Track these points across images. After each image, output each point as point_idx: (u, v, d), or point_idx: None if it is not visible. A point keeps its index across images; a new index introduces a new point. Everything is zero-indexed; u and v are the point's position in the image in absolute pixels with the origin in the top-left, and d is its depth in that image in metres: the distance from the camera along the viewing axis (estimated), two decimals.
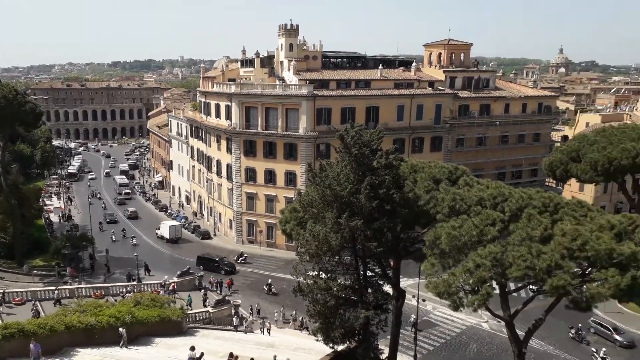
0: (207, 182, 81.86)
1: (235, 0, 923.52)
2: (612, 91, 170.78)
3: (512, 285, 33.19)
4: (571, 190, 79.39)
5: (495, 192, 28.91)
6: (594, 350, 41.15)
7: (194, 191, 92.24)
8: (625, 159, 48.61)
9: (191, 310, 45.61)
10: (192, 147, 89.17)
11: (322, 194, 28.39)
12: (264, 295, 54.28)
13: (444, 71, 75.68)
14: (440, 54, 80.00)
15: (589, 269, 26.13)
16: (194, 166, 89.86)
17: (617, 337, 43.48)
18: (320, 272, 29.19)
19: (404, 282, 50.88)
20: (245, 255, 66.05)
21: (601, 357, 40.00)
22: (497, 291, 30.18)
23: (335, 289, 29.11)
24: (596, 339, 44.53)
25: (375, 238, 28.82)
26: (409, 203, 30.04)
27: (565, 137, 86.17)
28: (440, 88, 73.48)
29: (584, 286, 25.38)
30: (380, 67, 73.31)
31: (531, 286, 28.57)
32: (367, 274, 31.60)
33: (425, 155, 66.31)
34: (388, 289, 33.86)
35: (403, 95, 69.82)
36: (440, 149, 72.17)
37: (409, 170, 33.35)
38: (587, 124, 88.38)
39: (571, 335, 44.80)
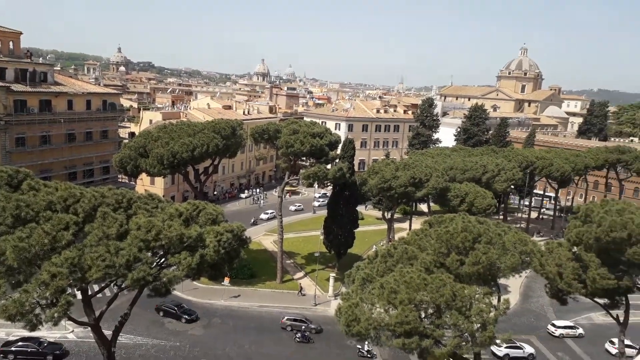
0: None
1: None
2: (168, 91, 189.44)
3: (96, 287, 32.26)
4: (144, 184, 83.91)
5: (66, 194, 27.19)
6: (359, 346, 43.68)
7: None
8: (185, 152, 55.03)
9: None
10: None
11: None
12: None
13: None
14: None
15: (165, 256, 28.33)
16: None
17: (312, 326, 48.59)
18: None
19: None
20: None
21: (366, 350, 43.72)
22: (80, 297, 28.74)
23: None
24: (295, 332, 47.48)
25: None
26: None
27: (132, 134, 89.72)
28: None
29: (162, 272, 27.34)
30: None
31: (114, 284, 28.57)
32: None
33: None
34: None
35: None
36: None
37: None
38: (151, 121, 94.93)
39: (297, 340, 46.49)
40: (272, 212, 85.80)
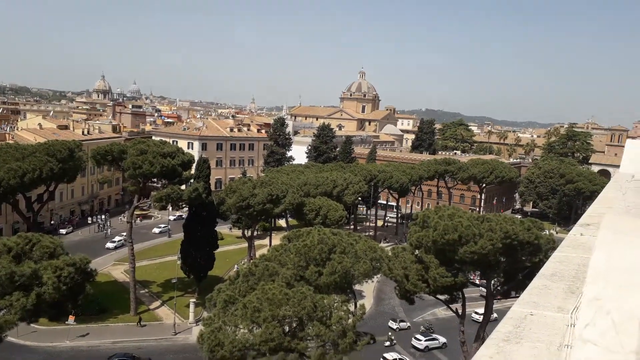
0: None
1: None
2: None
3: None
4: None
5: None
6: None
7: None
8: (13, 179, 48.54)
9: None
10: None
11: None
12: None
13: None
14: None
15: None
16: None
17: None
18: None
19: None
20: None
21: None
22: None
23: None
24: None
25: None
26: None
27: None
28: None
29: None
30: None
31: None
32: None
33: None
34: None
35: None
36: None
37: None
38: None
39: None
40: (121, 240, 79.62)
